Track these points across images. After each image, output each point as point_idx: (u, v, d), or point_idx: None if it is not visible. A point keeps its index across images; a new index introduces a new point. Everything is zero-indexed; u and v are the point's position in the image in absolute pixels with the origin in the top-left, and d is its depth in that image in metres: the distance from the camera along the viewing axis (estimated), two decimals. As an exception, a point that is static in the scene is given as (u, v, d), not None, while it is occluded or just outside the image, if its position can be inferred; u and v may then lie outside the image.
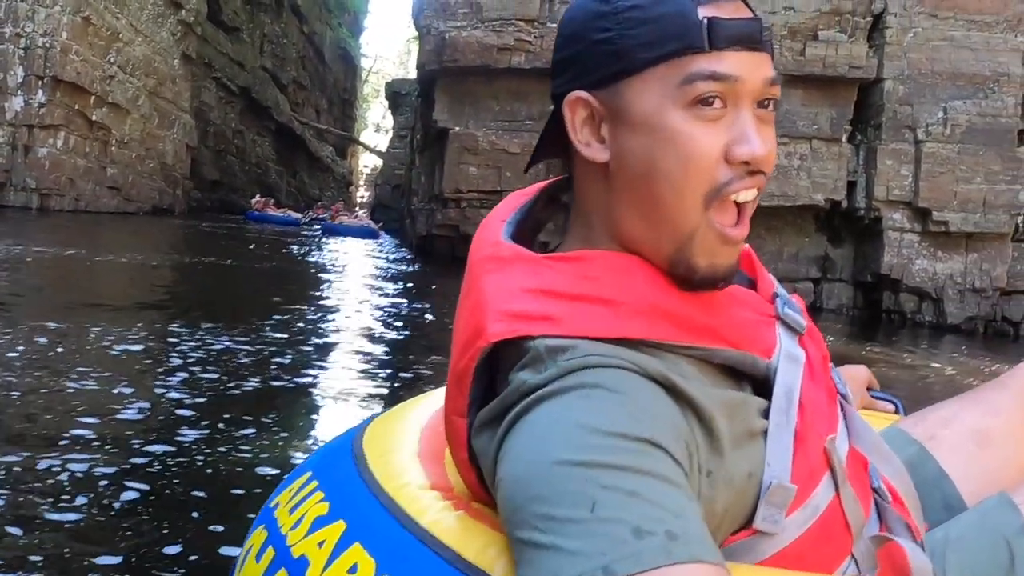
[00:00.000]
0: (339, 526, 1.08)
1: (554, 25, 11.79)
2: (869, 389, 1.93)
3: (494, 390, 1.01)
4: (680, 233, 1.01)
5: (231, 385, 4.53)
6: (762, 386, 1.07)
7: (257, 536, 1.21)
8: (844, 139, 13.94)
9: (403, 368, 5.88)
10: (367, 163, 58.27)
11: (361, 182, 58.63)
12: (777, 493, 1.00)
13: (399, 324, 8.49)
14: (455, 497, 1.10)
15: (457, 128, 14.70)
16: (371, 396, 4.84)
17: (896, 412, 1.92)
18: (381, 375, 5.54)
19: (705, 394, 0.97)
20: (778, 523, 1.00)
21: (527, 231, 1.18)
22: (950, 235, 13.49)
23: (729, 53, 0.97)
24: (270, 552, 1.13)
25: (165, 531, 2.52)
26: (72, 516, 2.58)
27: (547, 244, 1.15)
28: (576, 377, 0.91)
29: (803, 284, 14.22)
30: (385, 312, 9.30)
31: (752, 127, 0.99)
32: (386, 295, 11.22)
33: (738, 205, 1.02)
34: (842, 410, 1.17)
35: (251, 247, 16.93)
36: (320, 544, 1.06)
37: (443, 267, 14.85)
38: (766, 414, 1.04)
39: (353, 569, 1.00)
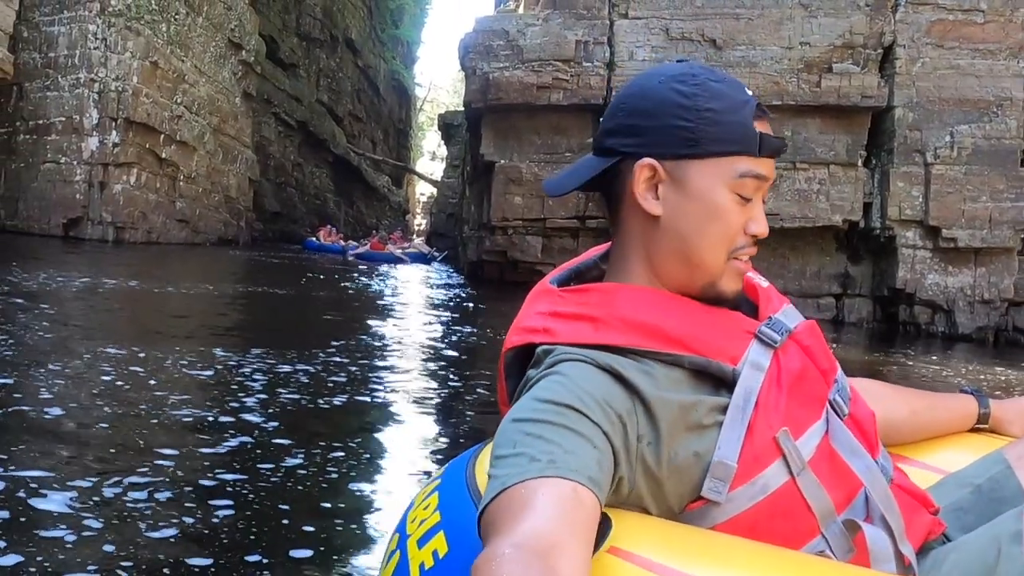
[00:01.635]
0: (441, 537, 1.39)
1: (589, 64, 14.44)
2: None
3: None
4: (711, 274, 1.46)
5: (307, 407, 4.94)
6: (730, 386, 1.40)
7: (393, 541, 1.53)
8: (860, 163, 15.93)
9: (461, 383, 6.53)
10: (423, 191, 59.80)
11: (418, 210, 60.74)
12: (719, 469, 1.34)
13: (457, 344, 9.19)
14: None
15: (502, 161, 16.95)
16: (432, 410, 5.41)
17: None
18: (443, 392, 6.14)
19: (654, 386, 1.34)
20: (721, 493, 1.34)
21: (587, 277, 1.63)
22: (959, 251, 15.46)
23: (767, 160, 1.44)
24: (397, 556, 1.46)
25: (252, 544, 2.80)
26: (163, 533, 2.82)
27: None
28: (549, 369, 1.35)
29: (826, 300, 16.35)
30: (443, 334, 10.05)
31: (762, 212, 1.47)
32: (441, 319, 12.15)
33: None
34: (827, 417, 1.47)
35: (312, 275, 18.05)
36: (426, 507, 1.48)
37: (492, 290, 16.88)
38: (726, 409, 1.38)
39: (427, 532, 1.40)
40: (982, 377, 10.11)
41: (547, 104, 16.47)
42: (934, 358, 11.91)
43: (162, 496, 3.18)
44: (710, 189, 1.42)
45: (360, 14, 41.55)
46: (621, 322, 1.40)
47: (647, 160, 1.44)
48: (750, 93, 1.46)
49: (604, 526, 1.18)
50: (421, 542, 1.39)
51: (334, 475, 3.65)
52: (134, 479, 3.33)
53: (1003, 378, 10.20)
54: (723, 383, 1.40)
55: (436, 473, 1.66)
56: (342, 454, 3.99)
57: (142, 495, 3.16)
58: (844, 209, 15.89)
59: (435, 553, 1.34)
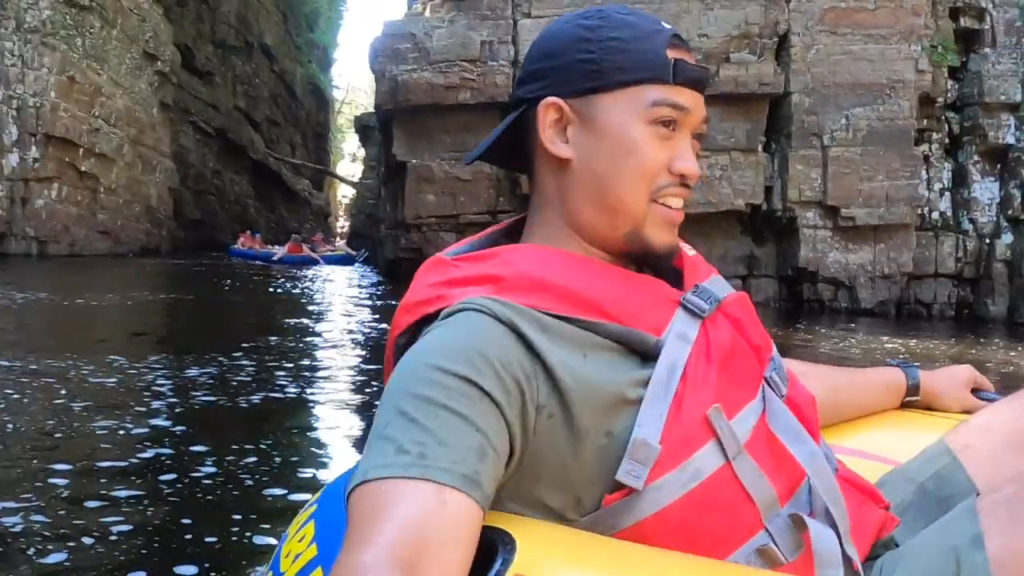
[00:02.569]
0: (312, 508, 1.43)
1: (494, 63, 15.61)
2: (976, 390, 2.07)
3: None
4: (632, 218, 1.36)
5: (219, 412, 4.99)
6: (653, 359, 1.28)
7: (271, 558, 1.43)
8: (760, 149, 17.14)
9: (379, 383, 6.44)
10: (344, 193, 60.79)
11: (340, 212, 61.74)
12: (640, 449, 1.20)
13: (375, 343, 9.36)
14: None
15: (414, 160, 17.96)
16: (349, 410, 5.50)
17: None
18: (361, 391, 6.25)
19: (561, 351, 1.21)
20: (639, 479, 1.20)
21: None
22: (858, 229, 16.72)
23: (685, 90, 1.35)
24: (276, 550, 1.44)
25: (140, 561, 2.75)
26: (51, 559, 2.74)
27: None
28: (443, 320, 1.23)
29: (733, 282, 17.36)
30: (361, 334, 10.49)
31: (690, 150, 1.39)
32: (359, 319, 12.59)
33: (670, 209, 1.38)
34: (764, 395, 1.38)
35: (231, 281, 18.82)
36: (296, 524, 1.43)
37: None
38: (647, 384, 1.25)
39: (302, 538, 1.36)
40: (888, 347, 11.08)
41: (455, 104, 17.50)
42: (839, 333, 12.94)
43: (56, 515, 3.11)
44: (621, 122, 1.35)
45: (275, 19, 42.50)
46: (528, 281, 1.28)
47: (549, 99, 1.37)
48: (668, 26, 1.40)
49: (508, 548, 1.06)
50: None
51: (247, 482, 3.64)
52: (27, 499, 3.26)
53: (898, 347, 11.34)
54: (643, 356, 1.30)
55: (312, 499, 1.55)
56: (254, 459, 4.00)
57: (37, 517, 3.09)
58: (746, 193, 17.06)
59: None
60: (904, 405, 2.03)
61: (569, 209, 1.40)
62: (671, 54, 1.36)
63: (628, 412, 1.23)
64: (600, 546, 1.15)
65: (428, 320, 1.28)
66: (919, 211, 17.17)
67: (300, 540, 1.37)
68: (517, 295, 1.25)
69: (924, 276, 17.35)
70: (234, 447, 4.13)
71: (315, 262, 29.31)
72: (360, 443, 4.48)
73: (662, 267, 1.44)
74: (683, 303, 1.36)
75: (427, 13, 19.28)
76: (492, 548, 1.06)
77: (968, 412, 1.95)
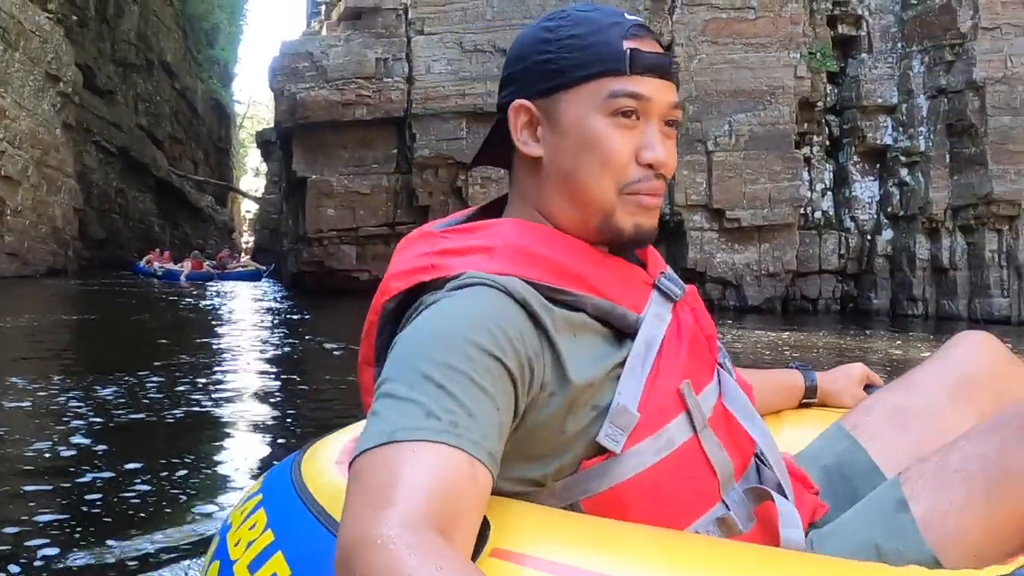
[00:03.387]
0: (257, 498, 1.50)
1: (389, 80, 16.96)
2: (868, 387, 2.30)
3: None
4: (602, 211, 1.43)
5: (141, 429, 5.00)
6: (631, 336, 1.41)
7: (211, 569, 1.46)
8: None
9: (284, 393, 6.82)
10: (248, 208, 61.34)
11: (244, 227, 62.29)
12: (621, 415, 1.33)
13: (281, 354, 9.72)
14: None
15: (314, 176, 19.12)
16: (258, 420, 5.55)
17: None
18: (268, 401, 6.33)
19: (560, 328, 1.33)
20: (618, 443, 1.32)
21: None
22: (743, 230, 18.15)
23: (644, 78, 1.41)
24: (216, 541, 1.52)
25: (104, 566, 2.78)
26: (11, 569, 2.76)
27: None
28: (455, 291, 1.29)
29: (628, 284, 19.08)
30: (267, 346, 10.64)
31: (657, 138, 1.43)
32: (264, 332, 12.86)
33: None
34: (719, 376, 1.54)
35: (136, 300, 18.94)
36: (241, 512, 1.52)
37: (313, 300, 18.73)
38: (626, 360, 1.38)
39: (253, 526, 1.42)
40: (776, 342, 11.76)
41: (353, 119, 18.73)
42: (728, 331, 13.68)
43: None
44: (582, 118, 1.42)
45: (175, 36, 43.25)
46: (520, 253, 1.37)
47: (517, 102, 1.46)
48: (632, 17, 1.47)
49: (482, 527, 1.12)
50: (253, 566, 1.32)
51: (172, 495, 3.66)
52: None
53: (788, 339, 12.33)
54: (621, 332, 1.41)
55: (252, 488, 1.62)
56: (175, 472, 4.02)
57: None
58: (636, 199, 18.44)
59: None
60: (801, 405, 2.24)
61: (544, 204, 1.49)
62: (628, 44, 1.42)
63: (610, 386, 1.35)
64: (567, 519, 1.24)
65: (421, 288, 1.37)
66: (802, 211, 18.69)
67: (251, 528, 1.41)
68: (512, 265, 1.34)
69: (809, 273, 18.89)
70: (158, 462, 4.13)
71: (211, 278, 30.35)
72: (275, 448, 4.69)
73: (633, 252, 1.54)
74: (657, 286, 1.50)
75: (323, 32, 20.56)
76: None
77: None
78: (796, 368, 2.32)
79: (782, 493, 1.51)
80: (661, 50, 1.48)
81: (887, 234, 19.14)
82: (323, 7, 22.10)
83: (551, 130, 1.47)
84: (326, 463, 1.58)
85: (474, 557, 1.09)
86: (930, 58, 18.70)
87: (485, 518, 1.14)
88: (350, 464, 1.10)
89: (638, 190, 1.44)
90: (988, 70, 17.89)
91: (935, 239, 18.57)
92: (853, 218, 19.27)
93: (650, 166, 1.43)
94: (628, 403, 1.34)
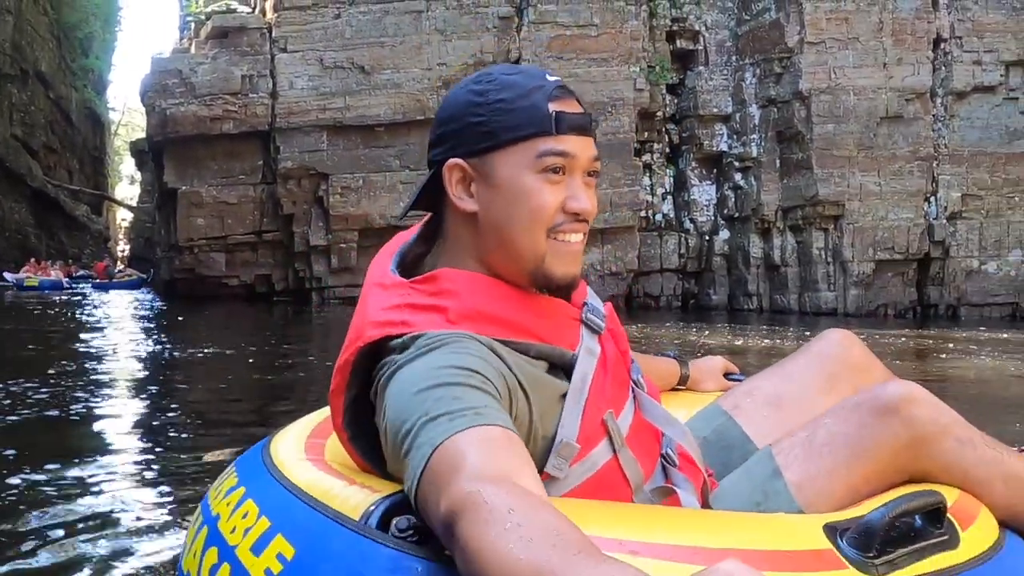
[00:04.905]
0: (241, 491, 1.81)
1: (255, 95, 19.92)
2: (727, 375, 2.79)
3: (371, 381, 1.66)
4: (533, 258, 1.68)
5: (23, 436, 5.02)
6: (567, 371, 1.71)
7: (196, 512, 1.96)
8: None
9: (160, 398, 7.01)
10: (125, 217, 61.64)
11: (120, 236, 63.26)
12: (565, 448, 1.63)
13: (157, 359, 10.15)
14: (321, 462, 1.83)
15: (184, 187, 21.62)
16: (137, 427, 5.64)
17: None
18: (145, 408, 6.55)
19: (520, 372, 1.61)
20: (563, 471, 1.64)
21: (410, 258, 1.85)
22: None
23: (569, 137, 1.65)
24: (200, 518, 1.88)
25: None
26: None
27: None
28: (431, 346, 1.54)
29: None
30: (142, 352, 11.14)
31: (581, 189, 1.69)
32: (139, 338, 13.39)
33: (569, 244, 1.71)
34: (634, 393, 1.85)
35: (12, 312, 19.48)
36: (228, 504, 1.80)
37: (186, 306, 20.49)
38: (565, 393, 1.68)
39: (246, 515, 1.69)
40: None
41: (220, 133, 21.32)
42: None
43: None
44: (514, 176, 1.66)
45: (49, 46, 44.70)
46: (473, 312, 1.64)
47: (452, 161, 1.69)
48: (552, 78, 1.71)
49: None
50: (257, 548, 1.59)
51: (60, 502, 3.62)
52: None
53: (636, 333, 14.13)
54: (559, 368, 1.72)
55: (226, 484, 1.94)
56: (62, 477, 4.03)
57: None
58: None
59: (280, 556, 1.52)
60: (673, 390, 2.65)
61: (480, 253, 1.74)
62: (553, 107, 1.66)
63: (553, 417, 1.66)
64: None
65: (385, 341, 1.63)
66: (643, 214, 21.70)
67: (244, 517, 1.69)
68: (467, 325, 1.61)
69: (651, 271, 21.97)
70: (45, 468, 4.17)
71: (60, 286, 31.92)
72: (163, 447, 4.88)
73: (562, 292, 1.79)
74: (584, 322, 1.81)
75: (192, 49, 23.06)
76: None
77: (724, 391, 2.59)
78: (672, 357, 2.74)
79: (692, 487, 1.87)
80: (581, 109, 1.73)
81: (724, 234, 22.34)
82: (192, 24, 24.55)
83: (485, 186, 1.69)
84: (295, 456, 1.89)
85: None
86: (761, 70, 21.92)
87: None
88: (415, 494, 1.35)
89: (563, 229, 1.68)
90: (813, 81, 21.11)
91: (767, 238, 21.75)
92: (692, 220, 22.43)
93: (575, 213, 1.68)
94: (569, 437, 1.65)
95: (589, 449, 1.69)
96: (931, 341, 14.36)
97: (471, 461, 1.27)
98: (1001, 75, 21.67)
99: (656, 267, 22.15)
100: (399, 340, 1.60)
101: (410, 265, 1.83)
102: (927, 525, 1.63)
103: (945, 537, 1.63)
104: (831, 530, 1.57)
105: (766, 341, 13.64)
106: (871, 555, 1.51)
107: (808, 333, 14.35)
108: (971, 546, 1.68)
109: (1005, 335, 15.87)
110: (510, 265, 1.72)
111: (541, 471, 1.58)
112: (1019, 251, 21.71)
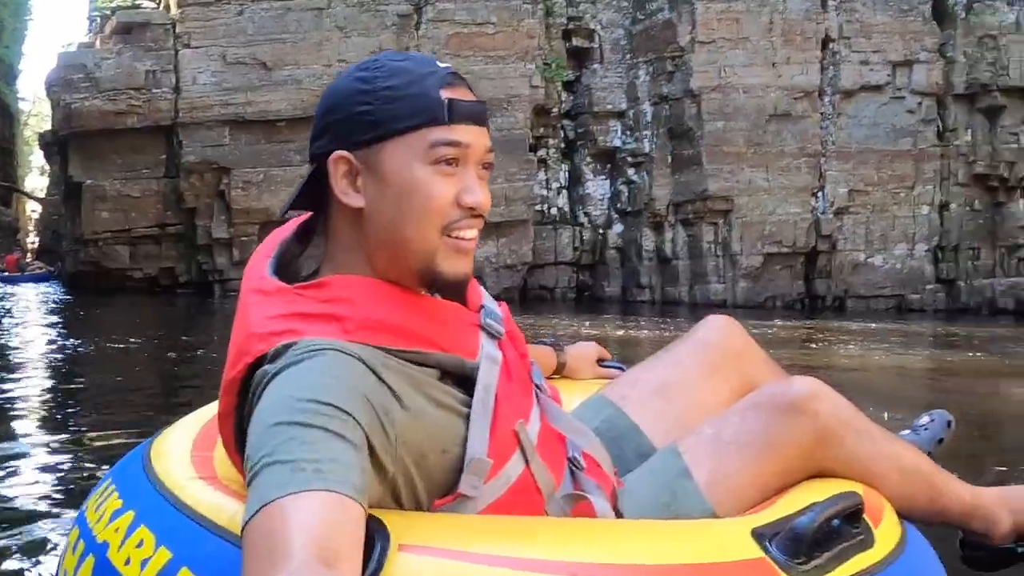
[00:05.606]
0: (129, 515, 1.70)
1: (158, 90, 21.09)
2: (600, 361, 2.85)
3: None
4: (424, 255, 1.62)
5: None
6: (468, 382, 1.66)
7: (73, 533, 1.85)
8: None
9: (65, 391, 7.36)
10: (35, 208, 61.44)
11: (30, 228, 63.44)
12: (477, 466, 1.59)
13: (62, 353, 10.47)
14: (216, 481, 1.75)
15: (89, 181, 22.58)
16: (44, 422, 5.85)
17: None
18: (51, 401, 6.79)
19: (406, 384, 1.54)
20: (478, 489, 1.60)
21: (288, 259, 1.76)
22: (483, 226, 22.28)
23: (462, 126, 1.60)
24: (82, 544, 1.76)
25: None
26: None
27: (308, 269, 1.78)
28: (298, 360, 1.47)
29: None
30: (46, 342, 11.52)
31: (476, 182, 1.63)
32: (44, 328, 13.99)
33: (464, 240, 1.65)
34: (537, 398, 1.82)
35: None
36: (116, 530, 1.69)
37: (91, 299, 21.03)
38: (469, 404, 1.63)
39: (140, 544, 1.60)
40: (516, 322, 15.42)
41: (124, 128, 22.30)
42: None
43: None
44: (403, 167, 1.59)
45: (-43, 35, 45.13)
46: (370, 321, 1.57)
47: (337, 153, 1.61)
48: (444, 65, 1.67)
49: (382, 532, 1.39)
50: (109, 523, 1.68)
51: None
52: None
53: (530, 323, 14.89)
54: (460, 378, 1.67)
55: (109, 505, 1.82)
56: None
57: None
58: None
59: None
60: (548, 377, 2.55)
61: (367, 252, 1.66)
62: (445, 94, 1.61)
63: (456, 431, 1.61)
64: (456, 519, 1.56)
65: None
66: (538, 208, 22.93)
67: (139, 546, 1.60)
68: (362, 333, 1.55)
69: (546, 264, 23.21)
70: None
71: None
72: (61, 437, 5.06)
73: (454, 292, 1.72)
74: (483, 327, 1.75)
75: (97, 44, 24.10)
76: (368, 535, 1.33)
77: (599, 378, 2.73)
78: (548, 344, 2.76)
79: (601, 492, 1.89)
80: (475, 97, 1.69)
81: (617, 228, 23.64)
82: (98, 19, 25.59)
83: (372, 180, 1.62)
84: (185, 474, 1.82)
85: (381, 554, 1.35)
86: (654, 68, 23.14)
87: (382, 523, 1.39)
88: (242, 533, 1.27)
89: (458, 228, 1.63)
90: (704, 80, 22.36)
91: (659, 232, 23.01)
92: (587, 214, 23.69)
93: (470, 208, 1.62)
94: (479, 452, 1.61)
95: (502, 463, 1.67)
96: (818, 332, 15.49)
97: (296, 543, 1.21)
98: (888, 75, 22.96)
99: (551, 260, 23.42)
100: (273, 349, 1.54)
101: (288, 267, 1.76)
102: (845, 525, 1.68)
103: (862, 537, 1.71)
104: (760, 536, 1.60)
105: (657, 332, 14.54)
106: (800, 560, 1.57)
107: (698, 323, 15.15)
108: (883, 544, 1.76)
109: (888, 326, 17.17)
110: (398, 264, 1.66)
111: (451, 490, 1.60)
112: (904, 245, 23.04)
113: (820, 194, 22.92)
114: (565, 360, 2.78)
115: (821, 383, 2.04)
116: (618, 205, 23.57)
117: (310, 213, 1.81)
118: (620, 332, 14.84)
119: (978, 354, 12.60)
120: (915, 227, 23.18)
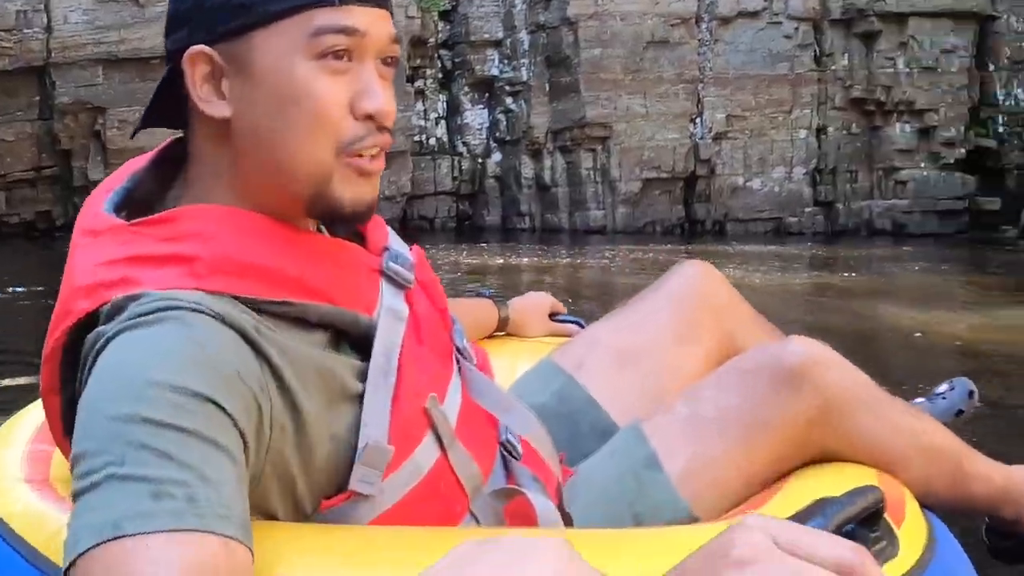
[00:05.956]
0: None
1: (29, 31, 21.23)
2: (553, 315, 2.50)
3: None
4: (316, 178, 1.29)
5: None
6: (364, 343, 1.32)
7: None
8: None
9: None
10: None
11: None
12: (373, 454, 1.25)
13: None
14: (46, 487, 1.43)
15: (-39, 125, 22.61)
16: None
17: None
18: None
19: (284, 351, 1.21)
20: (374, 484, 1.27)
21: (142, 194, 1.41)
22: (363, 158, 22.74)
23: (356, 8, 1.26)
24: None
25: None
26: None
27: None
28: (146, 320, 1.12)
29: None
30: None
31: (376, 82, 1.30)
32: None
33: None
34: (459, 366, 1.48)
35: None
36: None
37: None
38: (365, 375, 1.29)
39: None
40: None
41: (-4, 70, 22.28)
42: None
43: None
44: (281, 63, 1.28)
45: None
46: (228, 263, 1.25)
47: (195, 48, 1.29)
48: None
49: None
50: None
51: None
52: None
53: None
54: (355, 339, 1.35)
55: None
56: None
57: None
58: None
59: None
60: (489, 337, 2.34)
61: (237, 176, 1.34)
62: None
63: (349, 409, 1.29)
64: (339, 534, 1.25)
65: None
66: (416, 139, 23.33)
67: None
68: (218, 279, 1.22)
69: (425, 195, 23.63)
70: None
71: None
72: None
73: (351, 228, 1.43)
74: (385, 273, 1.43)
75: (-36, -13, 24.23)
76: None
77: (552, 335, 2.43)
78: (487, 296, 2.46)
79: (539, 485, 1.57)
80: None
81: (496, 157, 24.08)
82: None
83: (241, 82, 1.30)
84: (12, 474, 1.53)
85: None
86: (531, -3, 23.23)
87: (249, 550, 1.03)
88: (66, 571, 0.96)
89: (361, 149, 1.33)
90: (580, 7, 22.65)
91: (538, 160, 23.41)
92: (465, 143, 24.08)
93: (370, 117, 1.31)
94: (377, 438, 1.29)
95: (409, 450, 1.35)
96: (698, 256, 15.39)
97: None
98: (765, 1, 23.39)
99: (430, 190, 23.78)
100: (108, 305, 1.22)
101: (142, 204, 1.42)
102: (862, 530, 1.27)
103: (883, 544, 1.38)
104: None
105: (535, 259, 15.22)
106: None
107: (577, 249, 16.14)
108: (910, 551, 1.46)
109: (768, 248, 18.09)
110: (278, 190, 1.35)
111: (343, 487, 1.30)
112: (782, 168, 23.53)
113: (698, 120, 23.37)
114: (508, 314, 2.48)
115: (824, 345, 1.78)
116: (496, 134, 24.01)
117: (172, 139, 1.49)
118: (499, 260, 15.31)
119: (854, 274, 13.12)
120: (793, 151, 23.69)
